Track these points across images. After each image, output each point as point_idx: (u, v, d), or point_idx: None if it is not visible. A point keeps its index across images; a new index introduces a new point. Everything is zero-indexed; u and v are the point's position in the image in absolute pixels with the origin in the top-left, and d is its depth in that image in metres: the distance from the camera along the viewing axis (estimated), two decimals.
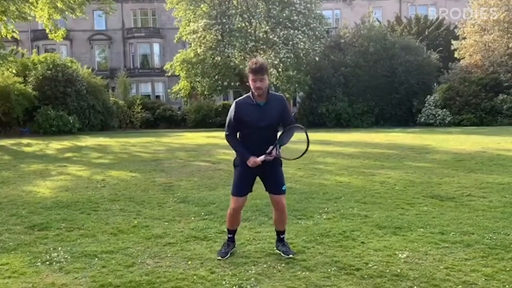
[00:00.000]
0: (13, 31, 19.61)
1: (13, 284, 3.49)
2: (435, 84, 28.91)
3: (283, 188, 4.14)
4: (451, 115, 26.65)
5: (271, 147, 3.90)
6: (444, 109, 26.92)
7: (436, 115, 26.98)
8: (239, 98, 4.08)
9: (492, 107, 26.03)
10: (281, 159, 4.07)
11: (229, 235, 4.21)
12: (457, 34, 29.14)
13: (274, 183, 4.10)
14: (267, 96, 3.95)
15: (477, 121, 25.85)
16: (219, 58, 27.98)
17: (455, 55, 28.61)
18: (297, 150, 4.03)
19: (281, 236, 4.22)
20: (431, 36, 32.08)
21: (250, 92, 3.96)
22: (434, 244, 4.33)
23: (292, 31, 27.55)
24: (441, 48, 30.33)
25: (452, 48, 28.83)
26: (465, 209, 5.72)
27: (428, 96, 27.79)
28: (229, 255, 4.06)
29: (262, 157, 3.89)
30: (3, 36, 19.70)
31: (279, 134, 4.00)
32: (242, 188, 4.11)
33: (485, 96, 26.22)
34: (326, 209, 5.79)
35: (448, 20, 33.17)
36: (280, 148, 3.96)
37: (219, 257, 3.99)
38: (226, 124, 4.07)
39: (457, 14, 31.61)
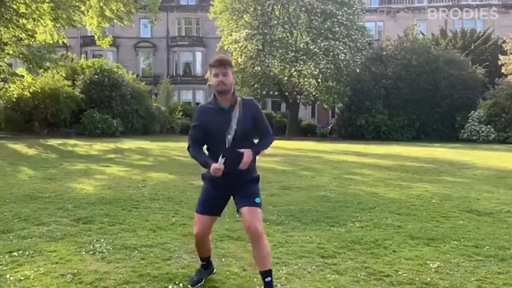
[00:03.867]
0: (63, 37, 20.60)
1: (60, 269, 3.75)
2: (479, 100, 28.19)
3: (256, 201, 3.25)
4: (495, 132, 25.91)
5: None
6: (489, 126, 26.21)
7: (480, 132, 26.29)
8: (202, 104, 3.55)
9: None
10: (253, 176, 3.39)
11: (202, 262, 3.63)
12: (505, 49, 28.33)
13: (245, 196, 3.28)
14: (232, 99, 3.29)
15: None
16: (259, 68, 28.29)
17: (502, 71, 27.79)
18: None
19: (266, 280, 3.22)
20: (477, 50, 31.33)
21: (212, 95, 3.35)
22: (467, 256, 4.31)
23: (333, 42, 27.57)
24: (487, 63, 29.55)
25: (500, 63, 28.03)
26: (503, 224, 5.62)
27: (472, 111, 27.15)
28: (202, 283, 3.50)
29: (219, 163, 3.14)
30: (55, 41, 20.72)
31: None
32: (208, 204, 3.36)
33: None
34: (359, 217, 5.82)
35: (496, 35, 32.29)
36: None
37: (189, 286, 3.44)
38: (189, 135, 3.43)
39: (506, 28, 30.71)
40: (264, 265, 3.22)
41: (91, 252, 4.19)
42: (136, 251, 4.24)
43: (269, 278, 3.21)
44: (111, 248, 4.30)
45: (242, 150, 3.16)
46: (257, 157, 3.43)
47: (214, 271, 3.72)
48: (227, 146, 3.18)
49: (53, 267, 3.78)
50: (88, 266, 3.83)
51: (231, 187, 3.31)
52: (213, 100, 3.33)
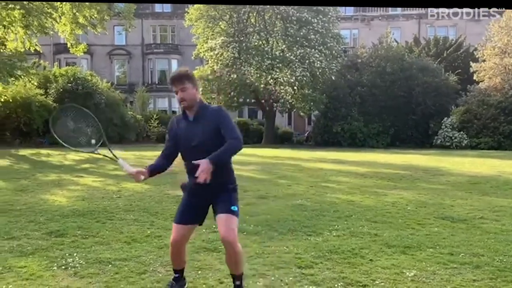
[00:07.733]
0: (35, 45, 20.18)
1: (31, 286, 3.63)
2: (452, 107, 28.72)
3: (233, 208, 3.31)
4: (468, 138, 26.40)
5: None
6: (461, 132, 26.70)
7: (453, 138, 26.77)
8: (177, 114, 3.61)
9: (511, 131, 25.74)
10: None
11: (175, 274, 3.59)
12: (477, 56, 28.97)
13: (221, 203, 3.35)
14: (198, 110, 3.38)
15: (495, 145, 25.55)
16: (235, 76, 28.28)
17: (474, 78, 28.38)
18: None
19: (236, 283, 3.41)
20: (450, 57, 31.97)
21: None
22: (442, 264, 4.35)
23: (308, 49, 27.76)
24: (459, 70, 30.15)
25: (471, 70, 28.65)
26: (477, 231, 5.71)
27: (445, 118, 27.61)
28: None
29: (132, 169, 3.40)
30: (26, 49, 20.27)
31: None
32: (186, 215, 3.43)
33: (504, 120, 25.95)
34: (336, 226, 5.83)
35: (467, 42, 33.07)
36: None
37: None
38: None
39: (477, 36, 31.41)
40: (236, 270, 3.37)
41: (63, 267, 4.07)
42: (110, 265, 4.14)
43: (238, 282, 3.38)
44: (84, 263, 4.19)
45: (197, 161, 3.11)
46: (234, 166, 3.48)
47: (185, 286, 3.63)
48: (194, 159, 3.19)
49: (23, 284, 3.66)
50: (60, 282, 3.72)
51: (210, 196, 3.37)
52: (183, 112, 3.48)
